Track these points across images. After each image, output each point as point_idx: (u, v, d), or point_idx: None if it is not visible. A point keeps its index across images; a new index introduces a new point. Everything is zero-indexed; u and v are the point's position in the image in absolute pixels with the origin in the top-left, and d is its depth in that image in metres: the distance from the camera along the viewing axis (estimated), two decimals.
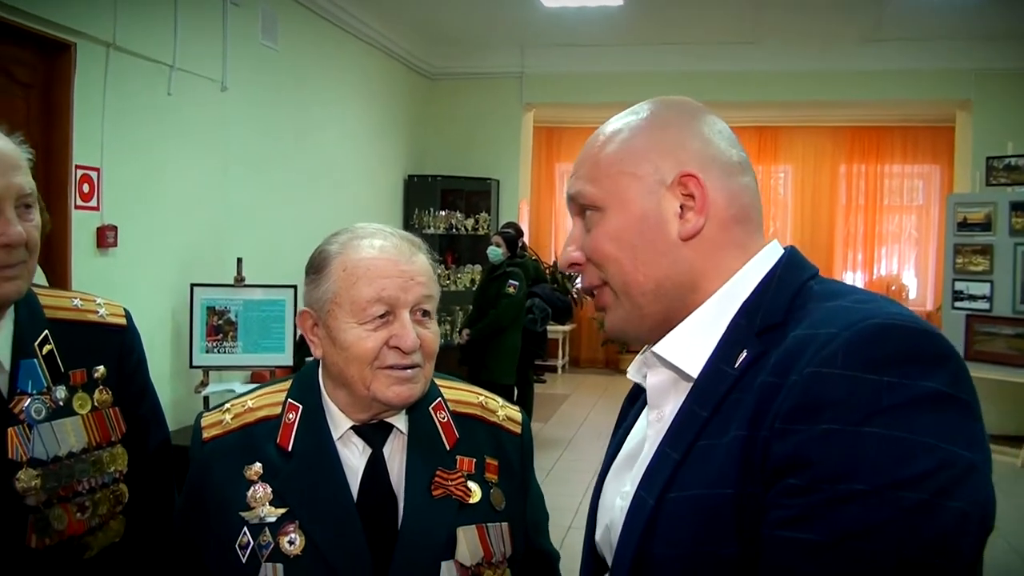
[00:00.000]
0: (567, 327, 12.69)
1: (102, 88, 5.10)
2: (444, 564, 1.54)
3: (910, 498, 0.95)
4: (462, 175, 10.55)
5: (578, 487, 6.69)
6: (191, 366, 5.49)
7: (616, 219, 1.27)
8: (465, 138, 10.80)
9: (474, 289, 8.14)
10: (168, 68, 5.65)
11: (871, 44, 9.72)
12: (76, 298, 1.83)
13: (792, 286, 1.20)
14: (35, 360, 1.69)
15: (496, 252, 7.76)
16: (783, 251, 1.28)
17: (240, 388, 5.75)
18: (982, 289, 8.28)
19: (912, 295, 13.17)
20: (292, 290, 5.69)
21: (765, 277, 1.24)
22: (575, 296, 12.18)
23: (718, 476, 1.09)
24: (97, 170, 5.05)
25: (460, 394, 1.76)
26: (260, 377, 6.10)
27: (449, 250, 10.63)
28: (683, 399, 1.22)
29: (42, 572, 1.61)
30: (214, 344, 5.50)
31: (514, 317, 7.56)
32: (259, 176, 6.80)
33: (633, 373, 1.39)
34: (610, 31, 9.68)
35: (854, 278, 13.15)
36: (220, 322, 5.53)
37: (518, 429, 1.77)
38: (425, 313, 1.60)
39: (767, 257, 1.27)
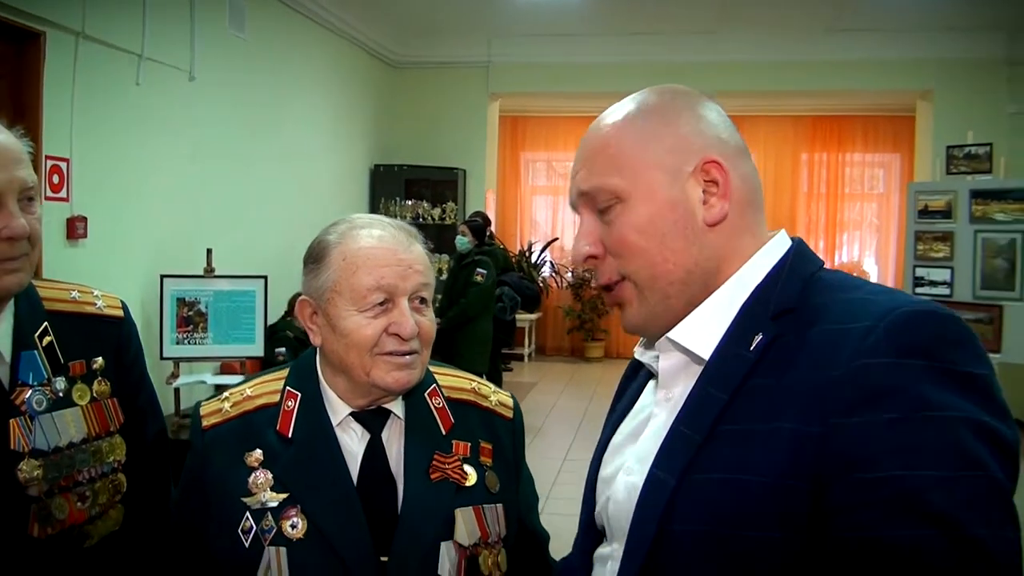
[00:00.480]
0: (534, 316, 12.74)
1: (71, 78, 5.06)
2: (443, 544, 1.58)
3: (978, 476, 1.02)
4: (428, 164, 10.55)
5: (548, 474, 6.73)
6: (161, 357, 5.46)
7: (643, 209, 1.27)
8: (431, 128, 10.80)
9: (443, 279, 8.15)
10: (137, 58, 5.62)
11: (834, 34, 9.84)
12: (74, 290, 1.85)
13: (803, 274, 1.25)
14: (35, 352, 1.71)
15: (463, 242, 7.78)
16: (791, 241, 1.33)
17: (211, 380, 5.74)
18: (943, 275, 8.40)
19: (873, 281, 13.31)
20: (262, 281, 5.67)
21: (776, 265, 1.28)
22: (541, 285, 12.24)
23: (755, 463, 1.12)
24: (67, 161, 5.02)
25: (454, 380, 1.80)
26: (230, 368, 6.08)
27: None
28: (693, 380, 1.26)
29: (44, 561, 1.63)
30: (184, 335, 5.47)
31: (484, 305, 7.59)
32: (228, 166, 6.78)
33: (640, 353, 1.42)
34: (576, 21, 9.73)
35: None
36: (190, 313, 5.50)
37: (510, 414, 1.82)
38: (423, 301, 1.64)
39: (777, 246, 1.31)
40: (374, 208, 10.08)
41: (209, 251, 5.74)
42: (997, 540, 0.99)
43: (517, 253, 12.53)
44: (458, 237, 7.87)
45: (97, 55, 5.26)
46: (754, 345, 1.20)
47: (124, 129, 5.51)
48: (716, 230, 1.27)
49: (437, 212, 10.43)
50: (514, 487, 1.75)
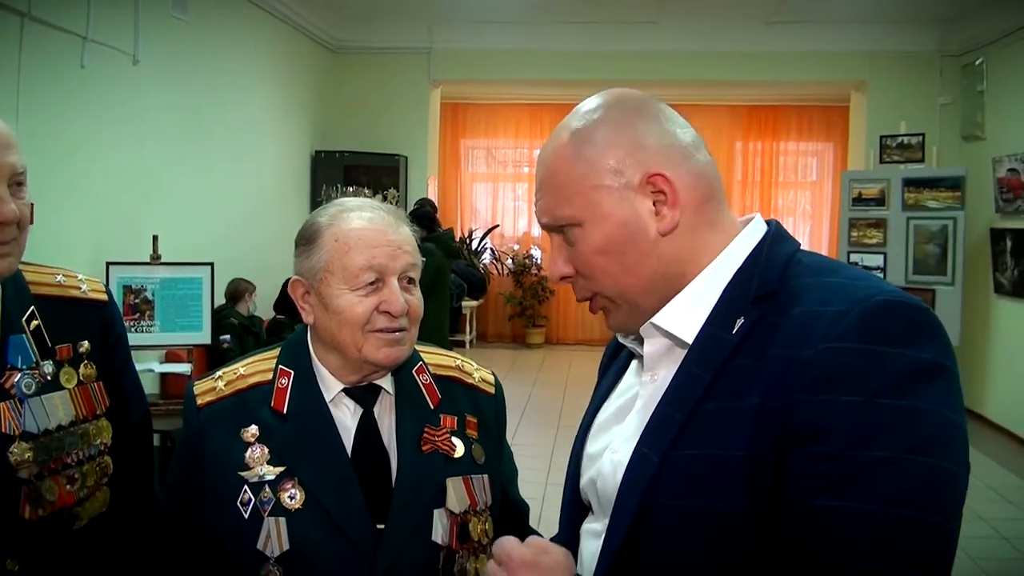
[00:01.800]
0: (475, 302, 12.79)
1: (17, 59, 4.99)
2: (436, 512, 1.66)
3: (925, 463, 1.09)
4: (369, 151, 10.51)
5: None
6: None
7: (597, 232, 1.32)
8: (372, 114, 10.75)
9: None
10: (81, 40, 5.54)
11: (771, 26, 9.99)
12: (59, 274, 1.85)
13: (781, 257, 1.31)
14: (24, 336, 1.72)
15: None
16: (767, 225, 1.39)
17: (159, 368, 5.70)
18: (876, 260, 8.64)
19: None
20: (209, 267, 5.64)
21: (754, 249, 1.34)
22: (483, 272, 12.29)
23: (729, 439, 1.20)
24: None
25: (439, 358, 1.87)
26: (175, 356, 6.05)
27: None
28: (677, 364, 1.32)
29: (36, 542, 1.65)
30: (131, 323, 5.40)
31: (426, 292, 7.60)
32: (173, 152, 6.71)
33: (623, 337, 1.48)
34: (518, 8, 9.76)
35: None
36: (137, 301, 5.45)
37: (492, 390, 1.90)
38: (410, 280, 1.70)
39: (753, 231, 1.36)
40: (315, 195, 10.01)
41: (155, 238, 5.68)
42: (927, 526, 1.08)
43: (458, 240, 12.53)
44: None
45: (42, 37, 5.18)
46: (736, 328, 1.26)
47: (69, 113, 5.43)
48: (671, 237, 1.32)
49: (378, 199, 10.37)
50: (497, 459, 1.84)
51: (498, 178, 14.28)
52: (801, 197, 13.99)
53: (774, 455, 1.15)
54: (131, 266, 5.48)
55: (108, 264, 5.39)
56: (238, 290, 6.96)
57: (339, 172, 10.24)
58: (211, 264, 5.65)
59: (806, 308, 1.21)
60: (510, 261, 13.63)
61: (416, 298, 1.71)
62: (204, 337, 5.65)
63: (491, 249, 13.72)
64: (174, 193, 6.69)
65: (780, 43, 10.10)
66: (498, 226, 13.90)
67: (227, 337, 6.43)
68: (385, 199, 10.09)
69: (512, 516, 1.87)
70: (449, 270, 7.74)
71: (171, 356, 6.09)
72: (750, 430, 1.18)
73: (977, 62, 9.12)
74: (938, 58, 9.86)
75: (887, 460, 1.08)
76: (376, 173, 10.48)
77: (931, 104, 9.77)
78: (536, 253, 13.77)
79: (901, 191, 8.49)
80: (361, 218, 1.69)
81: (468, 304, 12.20)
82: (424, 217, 7.73)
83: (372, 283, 1.65)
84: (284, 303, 7.61)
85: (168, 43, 6.63)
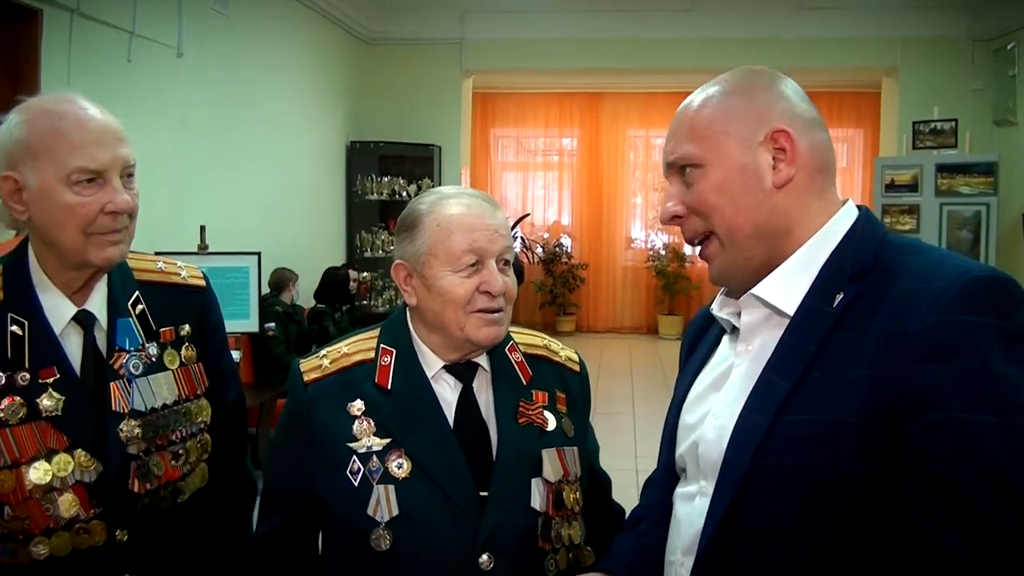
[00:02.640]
0: None
1: (67, 55, 5.09)
2: (534, 481, 1.75)
3: None
4: (403, 141, 10.58)
5: None
6: None
7: (717, 172, 1.44)
8: (406, 104, 10.80)
9: None
10: (128, 35, 5.63)
11: (804, 12, 9.98)
12: (160, 261, 1.95)
13: (874, 239, 1.42)
14: (130, 319, 1.81)
15: None
16: (858, 209, 1.49)
17: None
18: None
19: None
20: (256, 257, 5.73)
21: (849, 231, 1.44)
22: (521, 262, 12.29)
23: (840, 406, 1.29)
24: None
25: (528, 338, 1.97)
26: None
27: (392, 217, 10.63)
28: (774, 333, 1.43)
29: (144, 514, 1.75)
30: None
31: None
32: (216, 143, 6.81)
33: (717, 310, 1.58)
34: None
35: None
36: None
37: (577, 368, 1.99)
38: (506, 263, 1.79)
39: (847, 214, 1.47)
40: (350, 185, 10.11)
41: (203, 228, 5.79)
42: None
43: None
44: None
45: (91, 32, 5.28)
46: (836, 302, 1.36)
47: (117, 105, 5.40)
48: (783, 191, 1.43)
49: (412, 188, 10.45)
50: (584, 433, 1.93)
51: (528, 167, 14.32)
52: None
53: (888, 422, 1.25)
54: (179, 255, 5.56)
55: (157, 254, 5.46)
56: (282, 279, 7.06)
57: (374, 162, 10.31)
58: (258, 254, 5.74)
59: (905, 286, 1.31)
60: (540, 249, 13.67)
61: (511, 280, 1.79)
62: (251, 325, 5.75)
63: (521, 238, 13.75)
64: (217, 183, 6.79)
65: (812, 29, 10.07)
66: (528, 215, 13.92)
67: (271, 324, 6.54)
68: (419, 189, 10.18)
69: (597, 488, 1.97)
70: None
71: None
72: (864, 399, 1.27)
73: (1008, 47, 9.09)
74: (970, 43, 9.82)
75: (997, 426, 1.19)
76: (410, 163, 10.55)
77: (963, 89, 9.74)
78: (566, 241, 13.81)
79: (934, 177, 8.50)
80: (460, 204, 1.78)
81: None
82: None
83: (472, 265, 1.73)
84: (324, 292, 7.71)
85: (210, 36, 6.72)
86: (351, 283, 7.93)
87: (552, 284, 13.39)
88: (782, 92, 1.47)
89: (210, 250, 5.81)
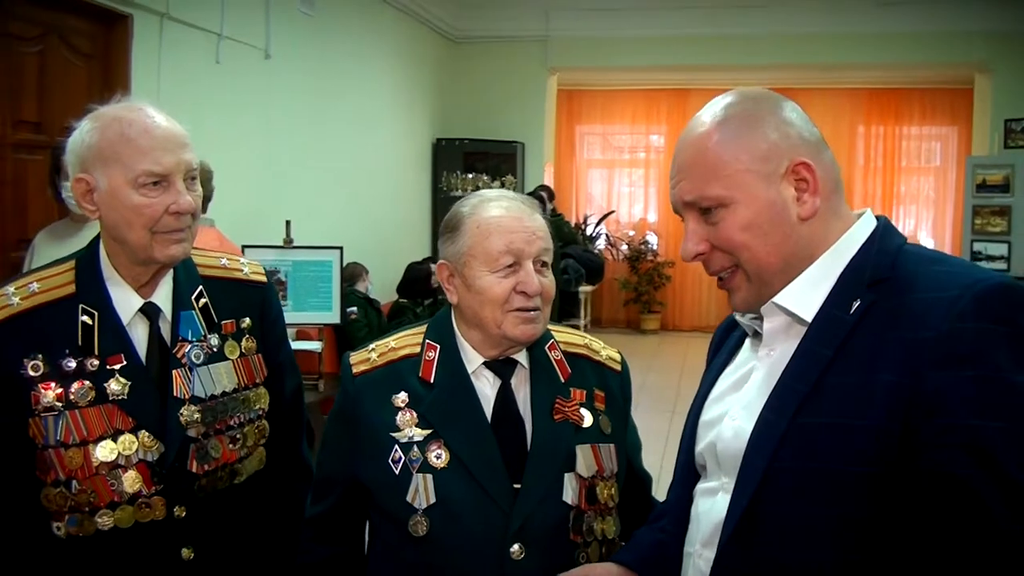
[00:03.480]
0: (590, 288, 12.84)
1: (157, 57, 5.30)
2: (567, 475, 1.83)
3: None
4: (488, 138, 10.70)
5: None
6: None
7: (745, 211, 1.45)
8: (490, 102, 10.93)
9: None
10: (216, 37, 5.85)
11: (885, 7, 9.84)
12: (224, 258, 2.08)
13: (892, 248, 1.45)
14: (193, 312, 1.95)
15: None
16: (876, 219, 1.52)
17: (292, 346, 5.98)
18: (1000, 250, 8.49)
19: None
20: (338, 251, 5.89)
21: (867, 240, 1.47)
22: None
23: (855, 410, 1.34)
24: None
25: (569, 337, 2.05)
26: (305, 335, 6.33)
27: None
28: (793, 339, 1.47)
29: (202, 493, 1.90)
30: None
31: None
32: (302, 141, 7.01)
33: (740, 315, 1.61)
34: None
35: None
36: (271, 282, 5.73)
37: (619, 367, 2.06)
38: (544, 264, 1.87)
39: (866, 223, 1.50)
40: (436, 182, 10.27)
41: (288, 223, 5.98)
42: None
43: (573, 226, 12.59)
44: None
45: (180, 35, 5.50)
46: (853, 309, 1.40)
47: (206, 105, 5.74)
48: (808, 222, 1.46)
49: (496, 185, 10.56)
50: (623, 431, 2.00)
51: (613, 164, 14.31)
52: (924, 183, 13.60)
53: (901, 427, 1.29)
54: (265, 249, 5.76)
55: (244, 247, 5.68)
56: (355, 272, 7.26)
57: (459, 159, 10.45)
58: (340, 248, 5.90)
59: (921, 295, 1.35)
60: (625, 247, 13.66)
61: (549, 280, 1.87)
62: (334, 317, 5.91)
63: (606, 235, 13.71)
64: (302, 180, 6.99)
65: (894, 24, 9.90)
66: (613, 212, 13.88)
67: (353, 309, 6.73)
68: (503, 185, 10.29)
69: (637, 485, 2.05)
70: (559, 255, 7.85)
71: (301, 334, 6.37)
72: (880, 403, 1.31)
73: None
74: None
75: (1005, 431, 1.23)
76: (494, 160, 10.67)
77: None
78: (652, 239, 13.75)
79: None
80: (499, 207, 1.87)
81: (583, 289, 12.27)
82: (538, 202, 7.86)
83: (510, 266, 1.82)
84: (407, 287, 7.87)
85: (296, 37, 6.93)
86: (433, 278, 8.07)
87: (637, 282, 13.31)
88: (789, 118, 1.48)
89: (294, 244, 5.99)
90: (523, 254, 1.83)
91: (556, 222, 7.97)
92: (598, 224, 13.57)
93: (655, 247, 13.63)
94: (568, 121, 13.89)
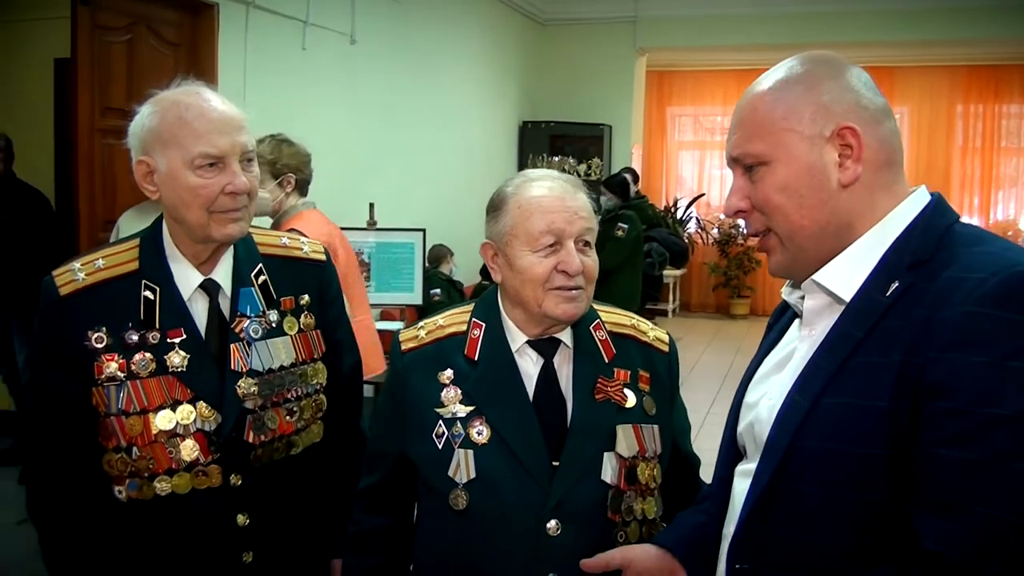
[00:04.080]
0: (679, 272, 12.72)
1: (243, 45, 5.47)
2: (606, 454, 1.84)
3: None
4: (574, 121, 10.71)
5: (695, 424, 6.85)
6: None
7: (783, 171, 1.43)
8: (578, 84, 10.94)
9: None
10: (302, 24, 6.00)
11: None
12: (284, 237, 2.15)
13: (939, 228, 1.41)
14: (252, 288, 2.02)
15: (605, 201, 7.91)
16: (930, 196, 1.48)
17: (377, 326, 6.09)
18: None
19: None
20: (421, 233, 5.97)
21: (915, 219, 1.43)
22: (688, 240, 12.20)
23: (872, 391, 1.32)
24: None
25: (616, 317, 2.05)
26: (389, 315, 6.43)
27: None
28: (834, 319, 1.45)
29: (258, 463, 1.97)
30: None
31: (624, 259, 7.70)
32: (386, 125, 7.14)
33: (786, 294, 1.60)
34: None
35: (969, 222, 12.77)
36: None
37: (666, 348, 2.05)
38: (586, 243, 1.88)
39: (916, 201, 1.46)
40: (522, 165, 10.32)
41: (371, 205, 6.08)
42: None
43: (662, 209, 12.51)
44: (600, 198, 8.02)
45: (266, 23, 5.65)
46: (890, 291, 1.37)
47: (291, 91, 5.88)
48: (849, 190, 1.42)
49: (583, 168, 10.58)
50: (668, 412, 1.99)
51: (705, 146, 14.17)
52: None
53: (910, 406, 1.27)
54: (350, 231, 5.86)
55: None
56: (440, 254, 7.37)
57: (545, 142, 10.50)
58: (423, 231, 5.98)
59: (952, 274, 1.31)
60: (715, 230, 13.51)
61: (591, 259, 1.89)
62: (416, 298, 5.99)
63: (696, 218, 13.59)
64: (388, 163, 7.12)
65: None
66: (704, 195, 13.76)
67: (437, 291, 6.83)
68: (589, 168, 10.29)
69: (683, 468, 2.04)
70: (643, 239, 7.81)
71: (385, 315, 6.47)
72: (892, 384, 1.29)
73: None
74: None
75: (1009, 419, 1.19)
76: (581, 142, 10.69)
77: None
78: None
79: None
80: (541, 187, 1.88)
81: (671, 273, 12.12)
82: (618, 185, 7.83)
83: (551, 245, 1.83)
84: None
85: (382, 22, 7.04)
86: None
87: (727, 266, 13.20)
88: (849, 83, 1.45)
89: (378, 226, 6.09)
90: (564, 234, 1.83)
91: (640, 205, 7.90)
92: (688, 207, 13.45)
93: (745, 231, 13.39)
94: (659, 102, 13.82)
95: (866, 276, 1.42)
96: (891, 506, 1.30)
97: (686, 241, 11.86)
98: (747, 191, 1.49)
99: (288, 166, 3.94)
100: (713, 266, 13.22)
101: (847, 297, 1.42)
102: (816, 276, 1.46)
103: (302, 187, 4.10)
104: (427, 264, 7.06)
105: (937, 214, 1.43)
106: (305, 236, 2.23)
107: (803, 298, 1.53)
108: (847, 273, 1.43)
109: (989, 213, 13.15)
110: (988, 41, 10.69)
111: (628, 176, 8.07)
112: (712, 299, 13.65)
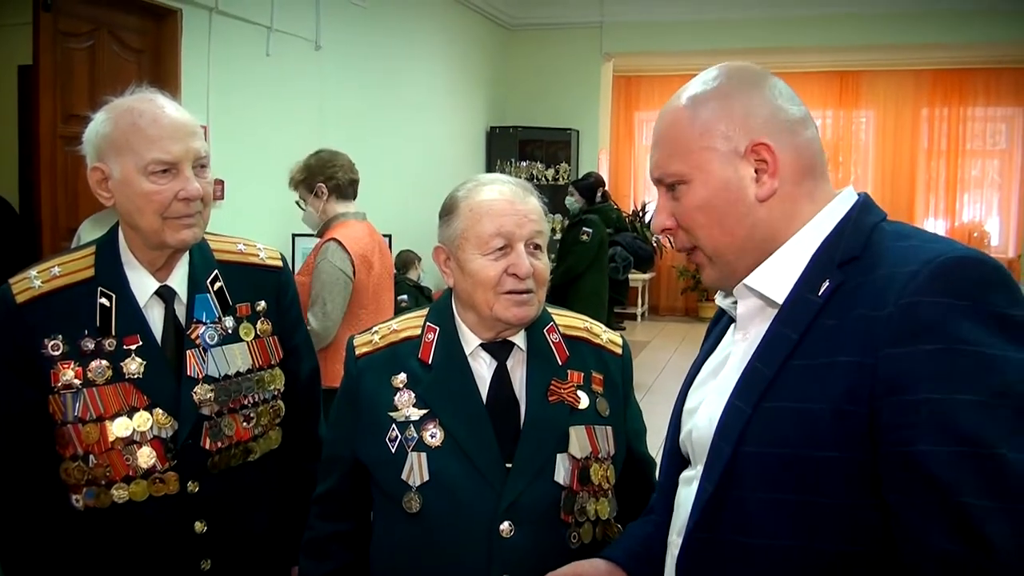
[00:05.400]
0: (647, 276, 12.79)
1: (206, 51, 5.45)
2: (559, 456, 1.85)
3: (1007, 403, 1.19)
4: (542, 126, 10.74)
5: (659, 431, 6.79)
6: None
7: (702, 190, 1.44)
8: (545, 89, 10.98)
9: (556, 239, 8.34)
10: (267, 30, 5.99)
11: None
12: (240, 243, 2.15)
13: (867, 226, 1.41)
14: (208, 295, 2.02)
15: (571, 202, 7.94)
16: (857, 196, 1.49)
17: None
18: None
19: (995, 242, 13.04)
20: (387, 239, 5.96)
21: (843, 218, 1.44)
22: (656, 245, 12.25)
23: (817, 393, 1.31)
24: (204, 128, 5.36)
25: (569, 320, 2.06)
26: None
27: None
28: (767, 323, 1.45)
29: (215, 469, 1.97)
30: None
31: (589, 263, 7.71)
32: (353, 131, 7.11)
33: (720, 300, 1.61)
34: None
35: (936, 225, 12.98)
36: None
37: (619, 350, 2.07)
38: (536, 247, 1.89)
39: (843, 201, 1.47)
40: (490, 170, 10.31)
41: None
42: (1018, 460, 1.17)
43: (631, 213, 12.54)
44: (567, 198, 8.04)
45: (230, 29, 5.64)
46: (822, 290, 1.37)
47: (255, 97, 5.87)
48: (768, 204, 1.43)
49: (551, 173, 10.62)
50: (622, 413, 2.01)
51: None
52: (989, 167, 13.34)
53: (865, 407, 1.26)
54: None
55: (293, 236, 5.80)
56: (407, 259, 7.38)
57: (513, 147, 10.52)
58: (389, 236, 5.98)
59: (884, 270, 1.31)
60: None
61: (542, 263, 1.90)
62: None
63: None
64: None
65: (963, 2, 9.74)
66: None
67: (404, 297, 6.83)
68: (557, 173, 10.31)
69: (637, 469, 2.05)
70: (607, 242, 7.83)
71: None
72: (841, 386, 1.29)
73: None
74: None
75: (971, 404, 1.19)
76: (550, 147, 10.72)
77: None
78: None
79: None
80: (492, 191, 1.90)
81: (639, 277, 12.17)
82: (585, 189, 7.86)
83: (501, 248, 1.85)
84: None
85: (347, 28, 7.04)
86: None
87: (695, 269, 13.07)
88: (764, 96, 1.45)
89: None
90: (514, 237, 1.85)
91: (604, 209, 7.92)
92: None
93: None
94: (626, 107, 13.90)
95: (797, 277, 1.42)
96: (848, 510, 1.29)
97: (653, 245, 11.88)
98: (671, 209, 1.50)
99: (315, 176, 3.98)
100: (682, 270, 13.25)
101: (779, 299, 1.43)
102: (747, 280, 1.46)
103: (341, 191, 4.14)
104: (395, 270, 7.06)
105: (864, 213, 1.44)
106: (263, 245, 2.22)
107: (736, 303, 1.53)
108: (777, 275, 1.44)
109: (955, 216, 13.29)
110: (953, 46, 10.80)
111: (591, 180, 8.09)
112: (681, 302, 13.72)
